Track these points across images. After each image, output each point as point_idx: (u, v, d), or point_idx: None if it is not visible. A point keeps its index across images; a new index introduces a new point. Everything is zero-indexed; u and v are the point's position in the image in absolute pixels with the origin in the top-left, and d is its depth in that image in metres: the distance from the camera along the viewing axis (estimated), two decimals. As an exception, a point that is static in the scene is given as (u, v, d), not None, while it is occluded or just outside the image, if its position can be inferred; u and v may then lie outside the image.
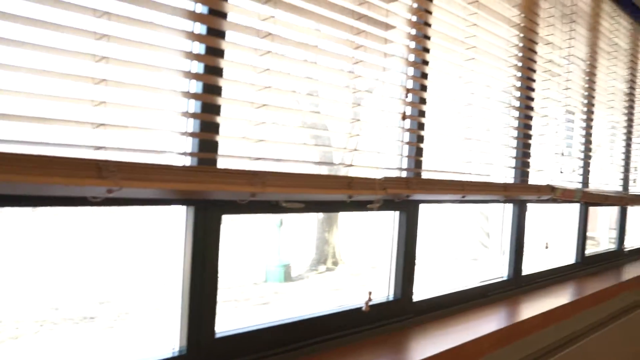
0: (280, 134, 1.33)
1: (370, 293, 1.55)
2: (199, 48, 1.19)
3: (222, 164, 1.23)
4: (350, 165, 1.49)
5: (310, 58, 1.38)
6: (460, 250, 12.47)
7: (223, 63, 1.20)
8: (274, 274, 9.07)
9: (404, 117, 1.60)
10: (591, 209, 3.23)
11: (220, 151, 1.24)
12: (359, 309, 1.62)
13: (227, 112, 1.23)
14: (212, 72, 1.21)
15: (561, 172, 2.54)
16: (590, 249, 3.76)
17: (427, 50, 1.75)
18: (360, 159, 1.57)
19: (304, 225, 13.40)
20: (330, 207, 1.52)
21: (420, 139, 1.76)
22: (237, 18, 1.22)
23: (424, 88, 1.76)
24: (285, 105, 1.30)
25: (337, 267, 10.35)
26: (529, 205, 2.48)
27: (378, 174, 1.55)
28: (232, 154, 1.22)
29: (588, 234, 3.23)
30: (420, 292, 1.95)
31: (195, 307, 1.26)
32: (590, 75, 2.84)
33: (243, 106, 1.24)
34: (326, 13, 1.40)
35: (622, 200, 3.33)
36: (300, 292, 8.51)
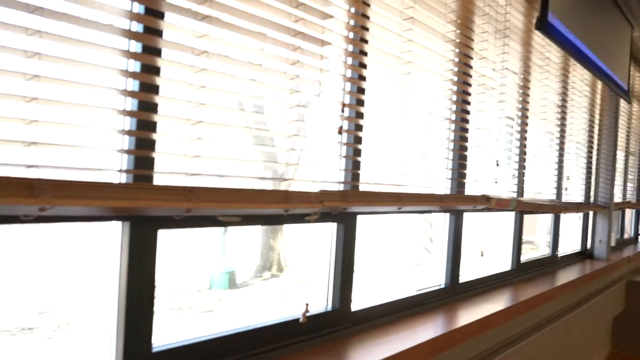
0: (220, 149, 1.35)
1: (307, 305, 1.58)
2: (135, 66, 1.20)
3: (158, 180, 1.24)
4: (289, 180, 1.52)
5: (247, 74, 1.40)
6: (404, 255, 12.66)
7: (159, 80, 1.21)
8: (218, 281, 9.00)
9: (340, 132, 1.64)
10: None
11: (156, 168, 1.25)
12: (296, 320, 1.64)
13: (163, 129, 1.24)
14: (147, 90, 1.21)
15: (496, 182, 2.63)
16: (530, 253, 3.89)
17: (363, 66, 1.80)
18: (299, 173, 1.60)
19: (249, 231, 13.34)
20: (267, 220, 1.54)
21: (358, 152, 1.81)
22: (173, 36, 1.23)
23: (360, 102, 1.80)
24: (222, 121, 1.32)
25: (282, 274, 10.35)
26: (466, 214, 2.56)
27: (316, 187, 1.58)
28: (168, 171, 1.23)
29: (528, 238, 3.34)
30: (359, 301, 1.99)
31: (131, 322, 1.26)
32: (524, 88, 2.96)
33: (180, 123, 1.26)
34: (262, 30, 1.43)
35: (556, 208, 3.47)
36: (245, 299, 8.48)
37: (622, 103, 4.72)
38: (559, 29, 2.74)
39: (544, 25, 2.57)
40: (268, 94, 1.46)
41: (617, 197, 5.26)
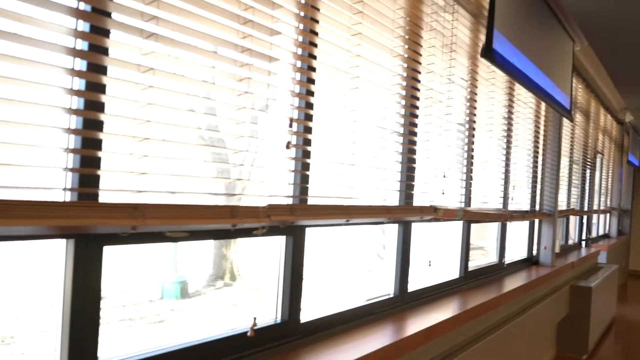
0: (168, 166, 1.35)
1: (254, 319, 1.59)
2: (80, 84, 1.20)
3: (105, 198, 1.23)
4: (237, 195, 1.53)
5: (193, 90, 1.41)
6: (358, 262, 12.73)
7: (104, 98, 1.21)
8: (170, 290, 8.88)
9: (288, 146, 1.66)
10: (474, 225, 3.43)
11: (103, 185, 1.24)
12: (244, 334, 1.66)
13: (109, 147, 1.24)
14: (93, 107, 1.21)
15: (443, 193, 2.70)
16: (480, 259, 3.99)
17: (312, 82, 1.83)
18: (248, 188, 1.61)
19: (202, 240, 13.17)
20: (215, 234, 1.55)
21: (306, 166, 1.83)
22: (119, 53, 1.24)
23: (309, 117, 1.83)
24: (170, 137, 1.33)
25: (235, 282, 10.29)
26: (416, 224, 2.61)
27: (264, 202, 1.60)
28: (114, 188, 1.23)
29: (478, 243, 3.42)
30: (309, 312, 2.02)
31: (76, 337, 1.26)
32: (471, 100, 3.04)
33: (126, 140, 1.26)
34: (208, 46, 1.44)
35: (502, 217, 3.57)
36: (197, 309, 8.40)
37: (566, 114, 4.88)
38: (504, 55, 2.82)
39: (489, 53, 2.65)
40: (216, 110, 1.47)
41: (562, 205, 5.43)
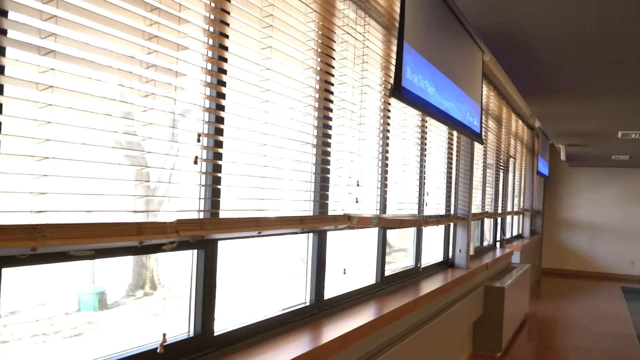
0: (70, 184, 1.33)
1: (164, 335, 1.58)
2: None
3: (2, 219, 1.20)
4: (145, 211, 1.52)
5: (96, 108, 1.39)
6: (282, 266, 12.74)
7: (0, 117, 1.19)
8: (87, 302, 8.59)
9: (195, 162, 1.66)
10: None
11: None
12: (154, 350, 1.64)
13: (6, 167, 1.21)
14: (-13, 126, 1.18)
15: (357, 202, 2.76)
16: (403, 260, 4.09)
17: (222, 96, 1.84)
18: (156, 204, 1.61)
19: (108, 258, 12.82)
20: (122, 252, 1.53)
21: (217, 180, 1.84)
22: (15, 71, 1.21)
23: (219, 132, 1.84)
24: (71, 155, 1.31)
25: (156, 291, 10.09)
26: (332, 232, 2.66)
27: (172, 217, 1.60)
28: (12, 209, 1.20)
29: (402, 245, 3.51)
30: (225, 324, 2.02)
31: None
32: (385, 111, 3.12)
33: (23, 159, 1.23)
34: (110, 62, 1.43)
35: (417, 222, 3.67)
36: (116, 321, 8.18)
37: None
38: (412, 91, 2.92)
39: (397, 92, 2.74)
40: (120, 127, 1.46)
41: (477, 208, 5.64)
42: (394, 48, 3.16)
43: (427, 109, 3.15)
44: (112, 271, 11.39)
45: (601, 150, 8.87)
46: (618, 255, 12.08)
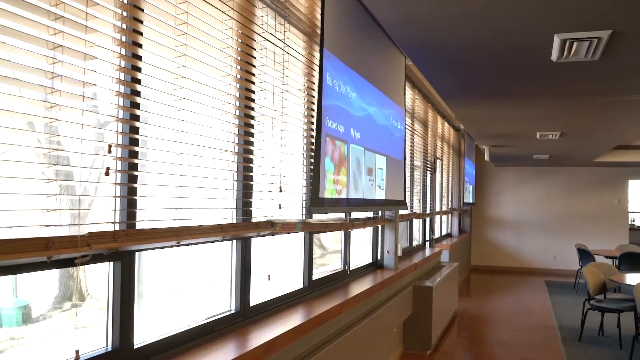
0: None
1: (77, 352, 1.54)
2: None
3: None
4: (53, 225, 1.48)
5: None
6: (217, 271, 12.61)
7: None
8: (10, 317, 8.25)
9: (107, 173, 1.64)
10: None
11: None
12: (68, 367, 1.61)
13: None
14: None
15: (280, 207, 2.77)
16: (337, 262, 4.12)
17: (136, 106, 1.81)
18: (66, 218, 1.57)
19: (15, 275, 12.37)
20: (29, 268, 1.48)
21: (133, 191, 1.81)
22: None
23: (134, 142, 1.81)
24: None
25: (85, 302, 9.78)
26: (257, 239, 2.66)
27: (83, 230, 1.56)
28: None
29: (336, 247, 3.52)
30: (146, 336, 1.99)
31: None
32: (308, 117, 3.14)
33: None
34: (8, 73, 1.39)
35: (342, 226, 3.72)
36: (41, 335, 7.91)
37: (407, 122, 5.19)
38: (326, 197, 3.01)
39: (316, 203, 2.85)
40: (20, 138, 1.43)
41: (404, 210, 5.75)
42: (317, 54, 3.19)
43: (344, 206, 3.30)
44: (37, 283, 10.99)
45: (522, 150, 9.22)
46: (542, 251, 12.59)
